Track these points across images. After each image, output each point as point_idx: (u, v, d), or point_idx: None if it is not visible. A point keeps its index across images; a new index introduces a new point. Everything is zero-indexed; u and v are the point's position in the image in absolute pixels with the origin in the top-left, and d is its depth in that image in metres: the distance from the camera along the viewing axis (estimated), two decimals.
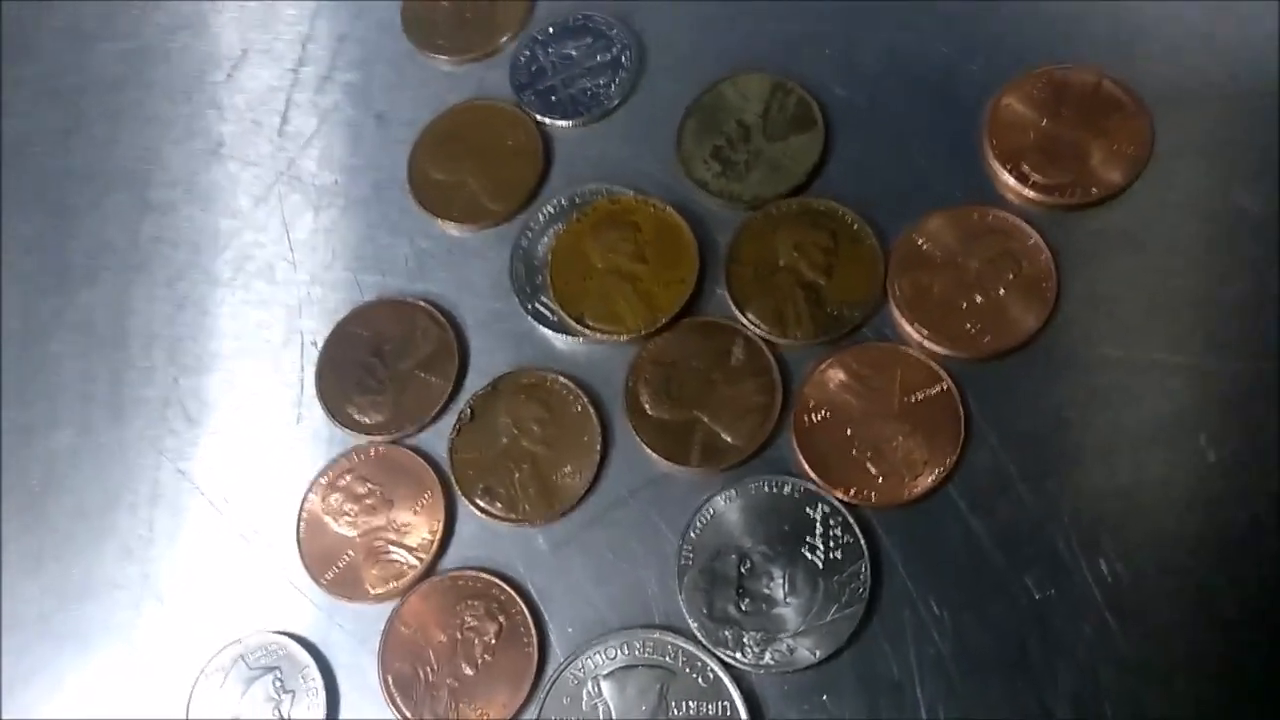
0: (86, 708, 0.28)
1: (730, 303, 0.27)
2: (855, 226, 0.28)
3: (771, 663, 0.24)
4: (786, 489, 0.25)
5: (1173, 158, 0.27)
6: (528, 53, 0.32)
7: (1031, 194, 0.27)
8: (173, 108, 0.34)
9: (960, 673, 0.24)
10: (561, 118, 0.31)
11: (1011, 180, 0.27)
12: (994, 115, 0.28)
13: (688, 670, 0.24)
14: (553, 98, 0.31)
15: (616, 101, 0.31)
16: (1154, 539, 0.24)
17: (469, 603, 0.26)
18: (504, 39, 0.32)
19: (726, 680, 0.24)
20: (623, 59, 0.31)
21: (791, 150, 0.29)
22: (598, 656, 0.25)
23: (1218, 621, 0.23)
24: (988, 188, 0.28)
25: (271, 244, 0.32)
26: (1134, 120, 0.27)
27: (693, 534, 0.26)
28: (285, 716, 0.26)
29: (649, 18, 0.32)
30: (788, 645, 0.24)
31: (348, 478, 0.28)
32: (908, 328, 0.26)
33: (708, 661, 0.24)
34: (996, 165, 0.27)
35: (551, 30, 0.32)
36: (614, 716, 0.24)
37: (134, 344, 0.31)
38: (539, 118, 0.31)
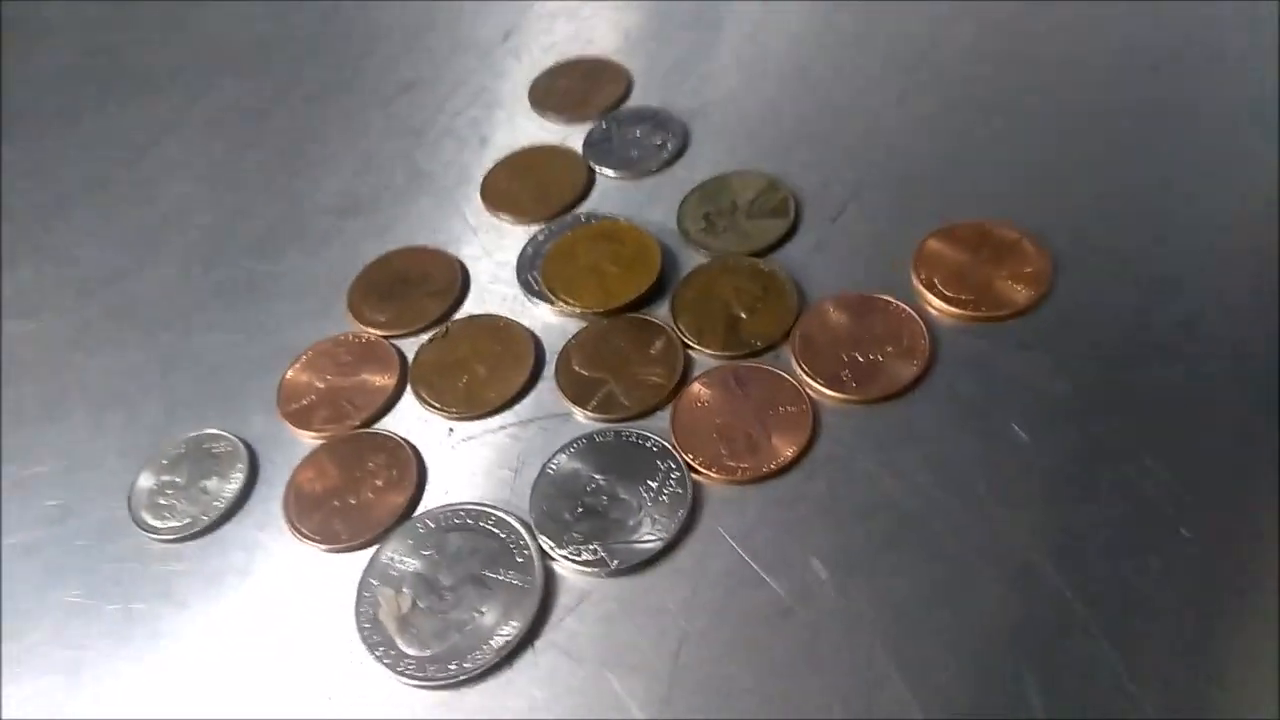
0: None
1: (669, 312, 0.34)
2: (785, 286, 0.34)
3: (577, 559, 0.28)
4: (648, 443, 0.30)
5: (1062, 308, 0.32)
6: (604, 126, 0.41)
7: (936, 300, 0.32)
8: None
9: (733, 629, 0.27)
10: (607, 167, 0.40)
11: (922, 287, 0.33)
12: (923, 246, 0.34)
13: (510, 545, 0.29)
14: (608, 153, 0.40)
15: (652, 168, 0.39)
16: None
17: (378, 454, 0.32)
18: (593, 113, 0.42)
19: (536, 560, 0.28)
20: (668, 144, 0.40)
21: (762, 228, 0.36)
22: (449, 515, 0.30)
23: None
24: (903, 289, 0.33)
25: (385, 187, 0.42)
26: (1038, 266, 0.33)
27: (563, 455, 0.31)
28: (204, 487, 0.32)
29: (707, 122, 0.41)
30: (595, 551, 0.28)
31: (338, 348, 0.35)
32: (794, 362, 0.32)
33: (529, 543, 0.29)
34: (914, 276, 0.33)
35: (628, 115, 0.42)
36: (440, 560, 0.29)
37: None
38: (591, 163, 0.40)
